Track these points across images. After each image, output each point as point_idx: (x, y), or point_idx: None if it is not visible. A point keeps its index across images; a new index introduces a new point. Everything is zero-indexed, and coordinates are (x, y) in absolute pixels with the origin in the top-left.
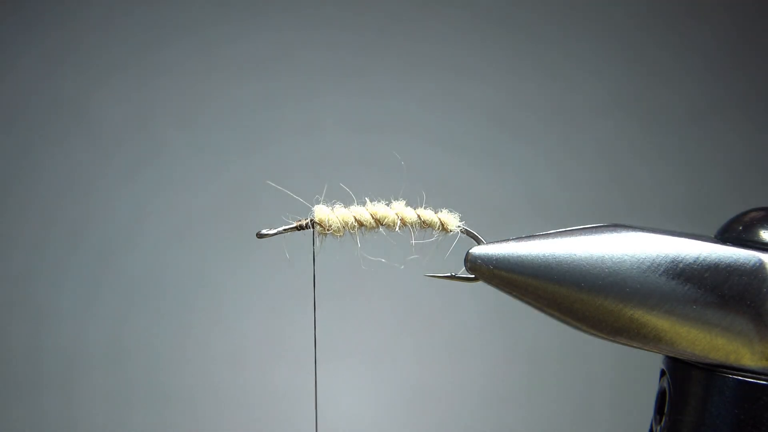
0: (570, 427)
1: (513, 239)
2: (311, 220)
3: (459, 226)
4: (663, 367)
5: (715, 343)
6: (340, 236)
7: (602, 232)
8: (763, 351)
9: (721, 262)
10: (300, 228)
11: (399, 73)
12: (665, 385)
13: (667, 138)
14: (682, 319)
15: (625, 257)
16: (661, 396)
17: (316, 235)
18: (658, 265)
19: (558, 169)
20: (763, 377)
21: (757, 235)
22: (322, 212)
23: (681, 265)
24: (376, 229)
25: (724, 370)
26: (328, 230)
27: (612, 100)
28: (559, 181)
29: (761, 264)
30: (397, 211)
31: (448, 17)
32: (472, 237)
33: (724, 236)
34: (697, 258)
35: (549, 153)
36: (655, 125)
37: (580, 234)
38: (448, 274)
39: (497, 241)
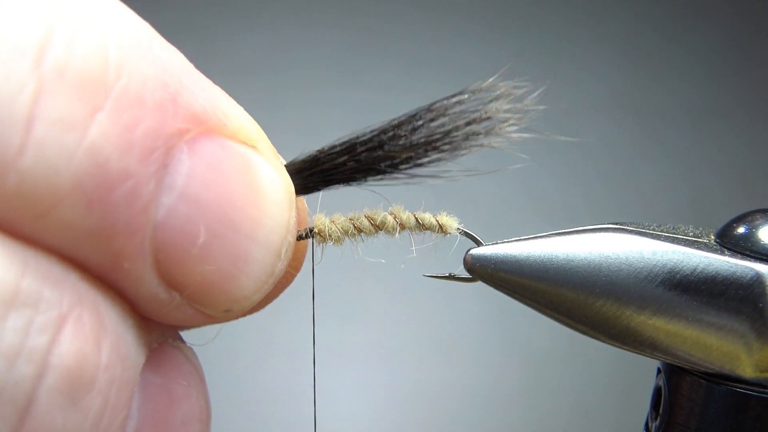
0: (570, 426)
1: (512, 240)
2: (310, 230)
3: (458, 228)
4: (659, 366)
5: (709, 353)
6: (340, 245)
7: (600, 235)
8: (757, 363)
9: (719, 274)
10: (300, 239)
11: (399, 75)
12: (661, 383)
13: (667, 138)
14: (678, 328)
15: (623, 266)
16: (656, 393)
17: (315, 244)
18: (656, 275)
19: (558, 169)
20: (755, 388)
21: (755, 242)
22: (320, 222)
23: (678, 276)
24: (376, 235)
25: (718, 379)
26: (327, 239)
27: (612, 100)
28: (559, 181)
29: (758, 277)
30: (395, 215)
31: (448, 18)
32: (470, 238)
33: (723, 240)
34: (695, 269)
35: (549, 153)
36: (656, 126)
37: (579, 236)
38: (447, 275)
39: (496, 242)
